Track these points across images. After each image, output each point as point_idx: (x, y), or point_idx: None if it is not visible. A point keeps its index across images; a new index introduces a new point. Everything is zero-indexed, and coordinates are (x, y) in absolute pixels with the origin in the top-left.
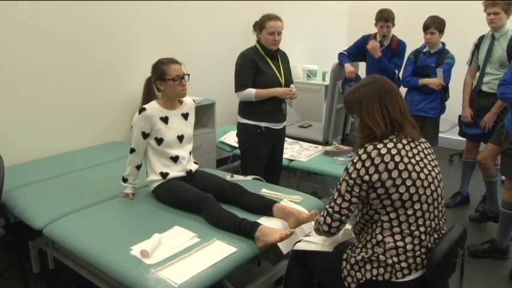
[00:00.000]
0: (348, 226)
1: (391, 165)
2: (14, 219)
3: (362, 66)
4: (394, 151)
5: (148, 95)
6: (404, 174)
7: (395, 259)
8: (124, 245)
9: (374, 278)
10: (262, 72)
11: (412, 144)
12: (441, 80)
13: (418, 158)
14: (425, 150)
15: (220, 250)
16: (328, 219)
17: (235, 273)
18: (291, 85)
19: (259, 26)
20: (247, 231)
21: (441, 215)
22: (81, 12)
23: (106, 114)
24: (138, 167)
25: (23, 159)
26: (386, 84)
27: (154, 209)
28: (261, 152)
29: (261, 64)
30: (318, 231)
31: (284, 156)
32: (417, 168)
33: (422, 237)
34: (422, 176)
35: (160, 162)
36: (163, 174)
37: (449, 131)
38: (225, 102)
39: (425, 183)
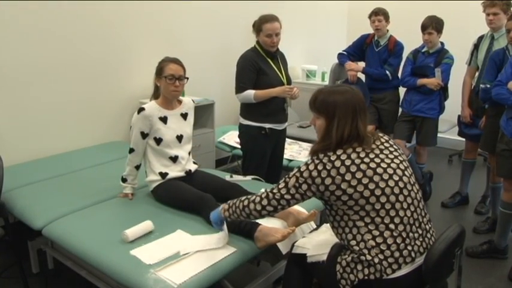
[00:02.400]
0: None
1: (342, 170)
2: (13, 219)
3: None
4: (343, 156)
5: (156, 92)
6: (358, 175)
7: (380, 256)
8: (123, 245)
9: (366, 278)
10: (264, 73)
11: (367, 150)
12: (439, 80)
13: (372, 156)
14: (380, 146)
15: (219, 250)
16: (265, 201)
17: (234, 273)
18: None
19: (256, 28)
20: (246, 231)
21: (416, 202)
22: (80, 12)
23: (105, 114)
24: (138, 167)
25: (22, 159)
26: (362, 101)
27: (154, 209)
28: (264, 153)
29: (262, 65)
30: (249, 206)
31: (284, 156)
32: (372, 165)
33: (400, 228)
34: (379, 170)
35: (159, 162)
36: (163, 174)
37: (448, 131)
38: (224, 103)
39: (385, 176)
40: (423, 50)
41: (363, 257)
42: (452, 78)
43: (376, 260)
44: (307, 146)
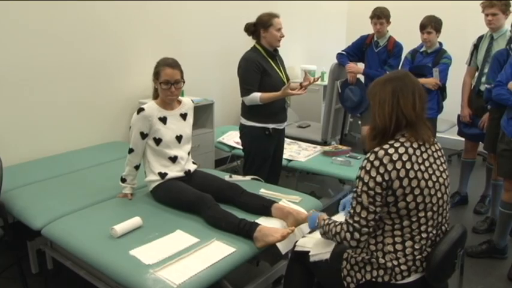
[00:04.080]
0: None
1: (402, 173)
2: (12, 219)
3: None
4: (405, 157)
5: (155, 92)
6: (414, 183)
7: (394, 262)
8: (123, 245)
9: (374, 280)
10: (268, 74)
11: (423, 148)
12: (437, 79)
13: (427, 164)
14: (435, 154)
15: (219, 250)
16: (357, 235)
17: (234, 273)
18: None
19: (264, 25)
20: (246, 231)
21: (444, 221)
22: (79, 13)
23: (105, 114)
24: (137, 167)
25: (21, 159)
26: (405, 79)
27: (153, 209)
28: (267, 153)
29: (265, 66)
30: (343, 238)
31: (283, 156)
32: (426, 175)
33: (423, 242)
34: (430, 183)
35: (158, 163)
36: (162, 175)
37: (448, 131)
38: (223, 103)
39: (432, 192)
40: (421, 50)
41: (374, 260)
42: (451, 78)
43: (389, 265)
44: (307, 146)
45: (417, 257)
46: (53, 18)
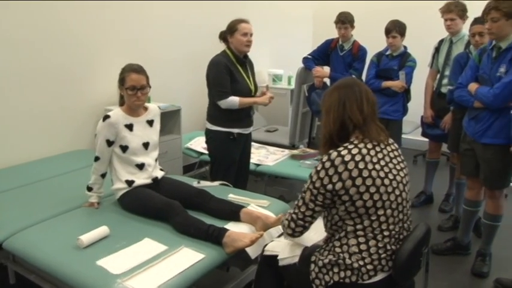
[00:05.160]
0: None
1: (354, 173)
2: None
3: None
4: (358, 157)
5: (121, 99)
6: (368, 182)
7: (360, 262)
8: (89, 255)
9: (341, 281)
10: (235, 80)
11: (378, 148)
12: (403, 82)
13: (382, 163)
14: (391, 154)
15: (188, 257)
16: (292, 224)
17: (204, 279)
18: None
19: (230, 30)
20: (215, 237)
21: (406, 218)
22: (44, 18)
23: (70, 122)
24: (103, 176)
25: None
26: (352, 85)
27: (121, 217)
28: (233, 158)
29: (233, 71)
30: (283, 231)
31: (251, 161)
32: (381, 174)
33: (386, 240)
34: (386, 182)
35: (125, 170)
36: (129, 182)
37: (412, 132)
38: (191, 108)
39: (389, 189)
40: (387, 53)
41: (341, 261)
42: (414, 81)
43: (356, 265)
44: (275, 150)
45: (382, 256)
46: (16, 25)
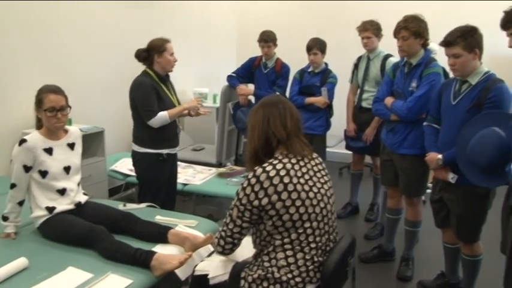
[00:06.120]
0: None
1: (280, 187)
2: None
3: None
4: (283, 172)
5: (38, 122)
6: (294, 195)
7: (289, 275)
8: None
9: None
10: (161, 99)
11: (302, 163)
12: (326, 98)
13: (307, 177)
14: (315, 167)
15: (115, 284)
16: (221, 242)
17: None
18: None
19: (158, 50)
20: (142, 260)
21: (332, 230)
22: None
23: None
24: (21, 203)
25: None
26: (277, 103)
27: (41, 247)
28: (163, 179)
29: (159, 90)
30: (214, 250)
31: (178, 180)
32: (306, 187)
33: (313, 252)
34: (311, 195)
35: (45, 196)
36: (50, 209)
37: (337, 146)
38: (114, 130)
39: (314, 202)
40: (309, 70)
41: (270, 275)
42: (336, 96)
43: (284, 278)
44: (202, 169)
45: (310, 268)
46: None
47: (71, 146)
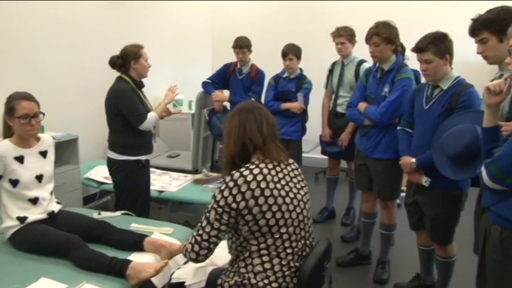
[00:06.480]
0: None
1: (257, 192)
2: None
3: None
4: (259, 177)
5: (7, 130)
6: (270, 200)
7: (265, 281)
8: None
9: None
10: (142, 105)
11: (278, 168)
12: (302, 104)
13: (283, 182)
14: (291, 173)
15: None
16: (196, 247)
17: None
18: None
19: (134, 56)
20: (117, 269)
21: (308, 235)
22: None
23: None
24: None
25: None
26: (252, 109)
27: (12, 258)
28: (142, 186)
29: (140, 97)
30: (186, 257)
31: (154, 187)
32: (282, 193)
33: (289, 257)
34: (287, 200)
35: (16, 206)
36: (21, 219)
37: (312, 151)
38: (89, 137)
39: (291, 207)
40: (284, 76)
41: (246, 281)
42: (311, 101)
43: (261, 284)
44: (178, 176)
45: (286, 273)
46: None
47: (43, 154)
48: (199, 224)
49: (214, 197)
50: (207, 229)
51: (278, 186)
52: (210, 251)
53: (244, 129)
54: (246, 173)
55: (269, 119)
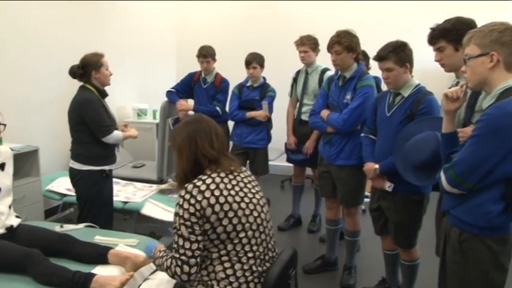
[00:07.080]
0: None
1: (212, 200)
2: None
3: None
4: (212, 186)
5: None
6: (226, 207)
7: None
8: None
9: None
10: (107, 114)
11: (231, 176)
12: (267, 112)
13: (237, 189)
14: (244, 179)
15: None
16: (186, 268)
17: None
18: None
19: (95, 66)
20: (81, 283)
21: (269, 238)
22: None
23: None
24: None
25: None
26: (201, 121)
27: None
28: (106, 197)
29: (105, 106)
30: (176, 280)
31: (118, 198)
32: (237, 198)
33: (251, 261)
34: (243, 205)
35: None
36: None
37: (278, 159)
38: (50, 148)
39: (247, 212)
40: (248, 85)
41: None
42: (275, 109)
43: None
44: (142, 186)
45: (249, 278)
46: None
47: (1, 166)
48: (174, 245)
49: (176, 214)
50: (187, 245)
51: (232, 192)
52: (198, 264)
53: (196, 145)
54: (198, 183)
55: (217, 132)
